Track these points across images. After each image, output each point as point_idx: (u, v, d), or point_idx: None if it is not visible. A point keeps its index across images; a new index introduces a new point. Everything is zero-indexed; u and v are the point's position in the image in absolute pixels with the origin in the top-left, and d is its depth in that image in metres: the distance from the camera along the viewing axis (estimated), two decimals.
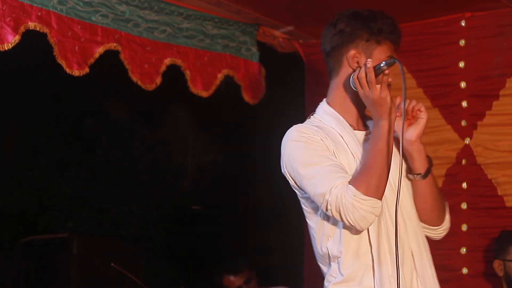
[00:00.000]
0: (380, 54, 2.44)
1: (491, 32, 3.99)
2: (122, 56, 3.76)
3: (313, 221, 2.49)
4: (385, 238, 2.37)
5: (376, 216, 2.29)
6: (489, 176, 3.96)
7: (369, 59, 2.36)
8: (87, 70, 3.57)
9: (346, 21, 2.49)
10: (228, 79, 4.34)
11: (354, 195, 2.25)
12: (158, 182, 8.87)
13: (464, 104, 4.03)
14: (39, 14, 3.35)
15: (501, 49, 3.96)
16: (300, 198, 2.51)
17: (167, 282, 7.78)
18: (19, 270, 6.90)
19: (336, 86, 2.53)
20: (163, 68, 3.95)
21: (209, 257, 8.45)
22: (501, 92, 3.96)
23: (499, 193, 3.93)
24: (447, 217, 2.56)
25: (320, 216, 2.44)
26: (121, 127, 8.95)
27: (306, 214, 2.52)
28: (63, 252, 6.58)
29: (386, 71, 2.33)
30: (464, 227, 3.96)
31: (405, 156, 2.45)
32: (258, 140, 8.69)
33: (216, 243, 8.69)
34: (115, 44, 3.71)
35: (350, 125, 2.49)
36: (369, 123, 2.52)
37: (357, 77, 2.38)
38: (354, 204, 2.25)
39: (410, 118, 2.48)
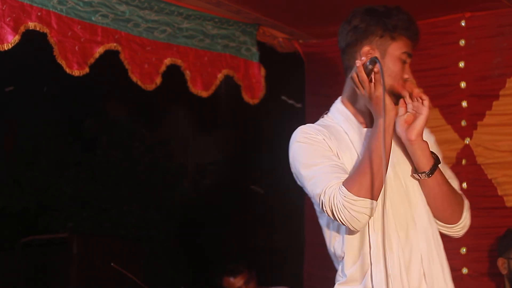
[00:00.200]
0: (395, 51, 2.41)
1: (491, 32, 3.99)
2: (122, 56, 3.76)
3: (323, 221, 2.49)
4: (386, 239, 2.34)
5: (368, 216, 2.27)
6: (489, 176, 3.96)
7: (357, 60, 2.34)
8: (87, 70, 3.57)
9: (361, 17, 2.45)
10: (228, 79, 4.34)
11: (345, 196, 2.25)
12: (158, 182, 8.87)
13: (464, 104, 4.03)
14: (39, 14, 3.35)
15: (501, 49, 3.96)
16: (311, 198, 2.51)
17: (167, 282, 7.77)
18: (19, 270, 6.90)
19: (350, 83, 2.48)
20: (163, 68, 3.95)
21: (209, 257, 8.45)
22: (501, 92, 3.96)
23: (499, 193, 3.93)
24: (465, 214, 2.50)
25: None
26: (121, 127, 8.95)
27: (317, 213, 2.52)
28: (63, 252, 6.58)
29: (375, 69, 2.29)
30: None
31: (409, 155, 2.42)
32: (258, 140, 8.69)
33: (216, 243, 8.69)
34: (115, 44, 3.71)
35: (362, 123, 2.47)
36: None
37: (351, 77, 2.37)
38: (345, 204, 2.25)
39: (414, 110, 2.42)
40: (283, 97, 7.09)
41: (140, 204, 8.70)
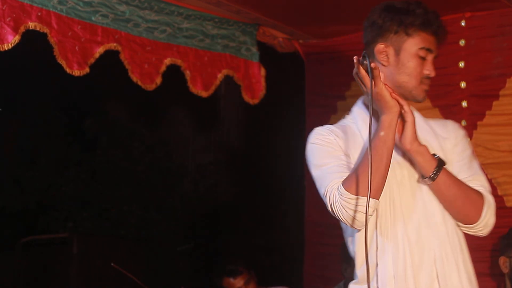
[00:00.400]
0: (411, 47, 2.38)
1: (491, 32, 3.99)
2: (122, 56, 3.76)
3: (341, 223, 2.49)
4: (390, 238, 2.34)
5: (368, 215, 2.24)
6: (489, 176, 3.95)
7: (355, 57, 2.31)
8: (87, 70, 3.57)
9: (378, 14, 2.42)
10: (228, 79, 4.34)
11: (342, 195, 2.25)
12: (158, 182, 8.87)
13: (464, 104, 4.03)
14: (39, 14, 3.35)
15: (501, 49, 3.96)
16: None
17: (167, 282, 7.77)
18: (19, 270, 6.91)
19: None
20: (163, 68, 3.95)
21: (209, 257, 8.46)
22: (501, 92, 3.96)
23: (499, 193, 3.93)
24: (484, 213, 2.42)
25: None
26: (121, 127, 8.95)
27: None
28: (63, 252, 6.58)
29: (372, 65, 2.25)
30: None
31: (412, 162, 2.38)
32: (258, 140, 8.69)
33: (216, 243, 8.69)
34: (115, 44, 3.71)
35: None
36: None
37: (353, 74, 2.35)
38: (342, 203, 2.25)
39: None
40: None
41: (140, 204, 8.70)
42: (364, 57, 2.27)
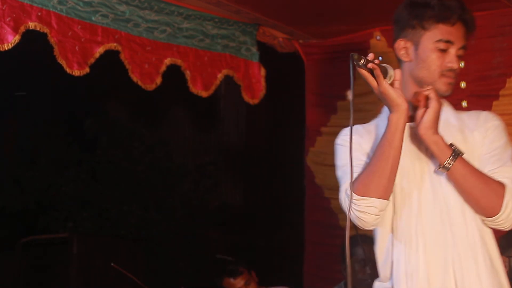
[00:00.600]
0: (428, 40, 2.36)
1: (491, 32, 3.99)
2: (122, 56, 3.76)
3: None
4: (406, 237, 2.34)
5: (374, 215, 2.26)
6: None
7: (353, 53, 2.28)
8: (87, 70, 3.57)
9: (400, 10, 2.42)
10: (228, 79, 4.34)
11: (348, 196, 2.26)
12: (158, 182, 8.86)
13: (464, 104, 4.03)
14: (39, 14, 3.35)
15: (501, 49, 3.96)
16: None
17: (167, 282, 7.77)
18: (19, 270, 6.90)
19: None
20: (163, 68, 3.95)
21: (209, 257, 8.45)
22: (501, 92, 3.96)
23: None
24: (505, 205, 2.28)
25: None
26: (121, 127, 8.95)
27: None
28: (63, 252, 6.58)
29: (370, 65, 2.23)
30: None
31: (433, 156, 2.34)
32: (258, 140, 8.69)
33: (216, 243, 8.69)
34: (115, 44, 3.71)
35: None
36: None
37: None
38: (349, 204, 2.26)
39: (422, 106, 2.32)
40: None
41: (140, 204, 8.69)
42: (358, 58, 2.24)
